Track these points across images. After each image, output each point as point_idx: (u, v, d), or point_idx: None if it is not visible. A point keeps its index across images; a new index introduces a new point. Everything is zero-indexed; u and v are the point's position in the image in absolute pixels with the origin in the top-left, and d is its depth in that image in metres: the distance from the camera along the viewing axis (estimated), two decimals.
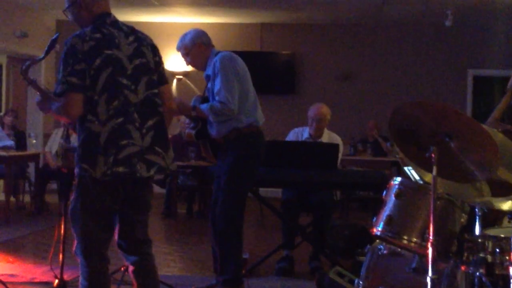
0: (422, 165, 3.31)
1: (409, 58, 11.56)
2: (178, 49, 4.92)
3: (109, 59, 3.28)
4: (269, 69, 11.47)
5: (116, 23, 3.45)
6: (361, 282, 3.70)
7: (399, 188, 3.35)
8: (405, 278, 3.59)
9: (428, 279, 2.97)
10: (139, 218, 3.49)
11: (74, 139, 8.99)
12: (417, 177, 3.95)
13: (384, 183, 3.70)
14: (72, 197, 3.42)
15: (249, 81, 4.85)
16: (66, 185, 6.46)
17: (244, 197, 4.87)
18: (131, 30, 3.48)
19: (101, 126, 3.24)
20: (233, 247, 4.79)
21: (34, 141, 9.50)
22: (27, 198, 9.58)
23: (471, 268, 3.22)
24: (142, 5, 10.07)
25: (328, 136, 6.23)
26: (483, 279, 3.19)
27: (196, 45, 4.84)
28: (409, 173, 4.02)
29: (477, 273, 3.20)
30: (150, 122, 3.38)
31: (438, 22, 10.34)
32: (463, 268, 3.27)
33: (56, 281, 4.76)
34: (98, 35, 3.31)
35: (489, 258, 3.20)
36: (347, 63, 11.73)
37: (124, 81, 3.30)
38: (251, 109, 4.80)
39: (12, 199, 9.08)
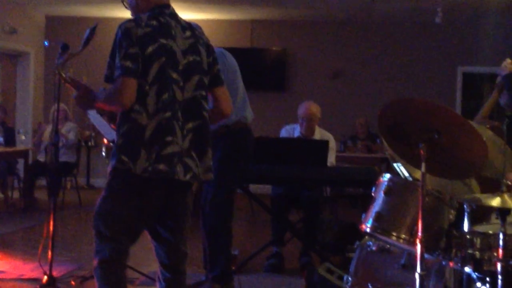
0: (411, 161, 3.32)
1: (399, 55, 11.59)
2: None
3: (164, 49, 3.10)
4: (260, 65, 11.47)
5: (174, 15, 3.27)
6: (350, 278, 3.72)
7: (388, 185, 3.35)
8: (394, 274, 3.60)
9: (417, 275, 2.98)
10: (180, 227, 3.28)
11: (64, 136, 8.96)
12: (406, 174, 3.96)
13: (373, 180, 3.71)
14: (102, 194, 3.18)
15: (238, 77, 4.84)
16: (55, 181, 6.45)
17: (233, 193, 4.87)
18: (189, 26, 3.31)
19: (149, 119, 3.04)
20: (223, 243, 4.79)
21: (23, 137, 9.47)
22: (16, 194, 9.56)
23: (459, 264, 3.23)
24: None
25: (320, 134, 6.24)
26: (471, 275, 3.20)
27: None
28: (398, 169, 4.03)
29: (465, 269, 3.21)
30: (190, 124, 3.17)
31: (428, 19, 10.37)
32: (451, 264, 3.28)
33: (45, 277, 4.76)
34: (154, 22, 3.14)
35: (477, 254, 3.20)
36: (337, 60, 11.75)
37: (174, 75, 3.12)
38: (240, 106, 4.79)
39: (0, 195, 9.06)
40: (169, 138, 3.07)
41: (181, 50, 3.17)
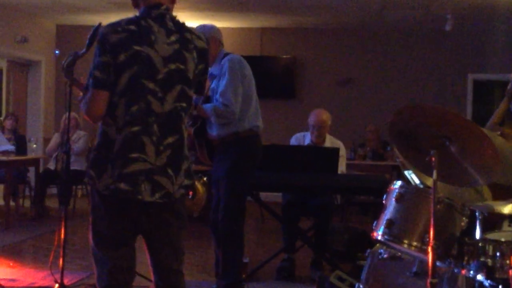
0: (422, 169, 3.31)
1: (409, 62, 11.57)
2: None
3: (137, 56, 2.82)
4: (269, 73, 11.48)
5: (162, 17, 2.93)
6: (361, 286, 3.70)
7: (399, 192, 3.34)
8: (405, 282, 3.59)
9: (429, 283, 2.97)
10: (165, 244, 2.99)
11: (72, 144, 8.98)
12: (417, 181, 3.95)
13: (384, 187, 3.70)
14: None
15: (253, 86, 4.86)
16: (66, 189, 6.47)
17: (244, 200, 4.88)
18: (178, 29, 2.95)
19: (117, 132, 2.84)
20: (236, 251, 4.79)
21: (35, 145, 9.49)
22: (27, 203, 9.58)
23: (472, 272, 3.21)
24: None
25: (330, 142, 6.24)
26: (484, 283, 3.18)
27: (212, 39, 4.80)
28: (409, 177, 4.02)
29: (478, 277, 3.19)
30: (170, 139, 2.90)
31: (438, 27, 10.35)
32: (463, 272, 3.26)
33: (56, 285, 4.77)
34: (132, 27, 2.86)
35: (490, 262, 3.19)
36: (347, 67, 11.74)
37: (151, 85, 2.84)
38: (253, 115, 4.81)
39: (12, 203, 9.09)
40: (134, 155, 2.82)
41: (161, 57, 2.88)
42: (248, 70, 4.82)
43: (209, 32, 4.77)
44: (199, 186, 3.07)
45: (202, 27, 4.85)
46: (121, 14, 11.76)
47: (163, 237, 2.98)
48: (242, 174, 4.78)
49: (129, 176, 2.82)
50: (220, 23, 11.13)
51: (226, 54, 4.82)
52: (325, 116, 6.24)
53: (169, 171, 2.90)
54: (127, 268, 2.98)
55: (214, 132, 4.79)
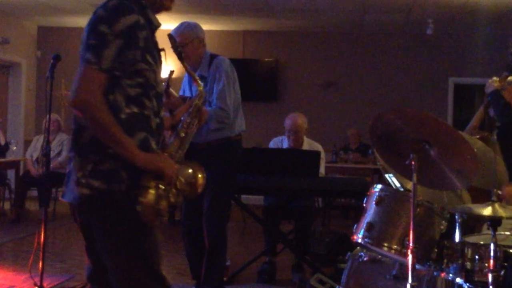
0: (402, 172, 3.33)
1: (390, 66, 11.62)
2: (175, 35, 4.40)
3: None
4: (252, 76, 11.48)
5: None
6: None
7: (379, 195, 3.36)
8: (385, 285, 3.60)
9: (408, 286, 2.98)
10: (105, 258, 2.60)
11: (55, 146, 8.95)
12: (398, 184, 3.97)
13: (365, 191, 3.72)
14: None
15: (239, 88, 4.84)
16: (46, 191, 6.43)
17: (230, 205, 4.89)
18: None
19: None
20: (221, 256, 4.78)
21: (15, 147, 9.44)
22: (7, 205, 9.52)
23: (451, 275, 3.24)
24: None
25: (308, 145, 6.24)
26: (463, 286, 3.21)
27: (199, 39, 4.73)
28: (390, 180, 4.04)
29: (457, 280, 3.22)
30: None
31: (419, 31, 10.41)
32: (442, 275, 3.29)
33: None
34: None
35: (469, 265, 3.22)
36: (329, 71, 11.77)
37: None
38: (241, 119, 4.81)
39: None
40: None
41: None
42: (235, 74, 4.81)
43: (191, 33, 4.70)
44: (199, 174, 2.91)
45: (187, 25, 4.77)
46: None
47: (100, 244, 2.61)
48: (231, 179, 4.77)
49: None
50: (203, 25, 11.09)
51: (213, 56, 4.77)
52: (301, 120, 6.23)
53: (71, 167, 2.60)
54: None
55: (201, 136, 4.60)
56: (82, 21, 11.21)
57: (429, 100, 11.40)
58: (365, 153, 9.94)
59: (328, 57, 11.81)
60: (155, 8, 2.71)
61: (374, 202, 3.36)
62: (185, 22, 4.80)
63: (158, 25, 2.72)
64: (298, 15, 10.47)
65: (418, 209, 3.17)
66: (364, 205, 3.48)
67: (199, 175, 2.82)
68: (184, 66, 3.11)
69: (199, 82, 3.13)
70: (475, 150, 3.23)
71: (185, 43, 4.59)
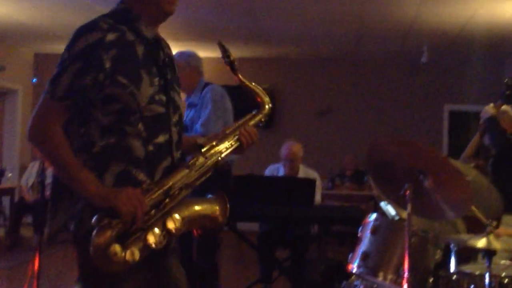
0: (397, 201, 3.34)
1: (386, 93, 11.66)
2: None
3: None
4: (247, 103, 11.46)
5: None
6: None
7: (374, 225, 3.36)
8: None
9: None
10: None
11: (50, 172, 8.96)
12: (393, 213, 3.97)
13: (360, 219, 3.71)
14: None
15: (232, 120, 4.85)
16: (41, 218, 6.41)
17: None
18: None
19: None
20: (213, 283, 4.76)
21: (10, 174, 9.43)
22: (1, 232, 9.47)
23: None
24: None
25: (304, 173, 6.25)
26: None
27: (191, 67, 4.77)
28: (385, 208, 4.04)
29: None
30: None
31: (415, 58, 10.47)
32: None
33: None
34: None
35: None
36: (325, 97, 11.80)
37: None
38: None
39: None
40: None
41: None
42: (229, 104, 4.83)
43: (186, 61, 4.76)
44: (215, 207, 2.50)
45: (181, 54, 4.83)
46: None
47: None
48: None
49: None
50: (198, 52, 11.18)
51: (207, 84, 4.81)
52: (296, 148, 6.25)
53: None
54: None
55: None
56: None
57: (424, 126, 11.42)
58: (360, 180, 9.94)
59: (324, 84, 11.85)
60: (154, 16, 2.44)
61: (369, 231, 3.36)
62: (180, 51, 4.86)
63: (154, 37, 2.45)
64: (294, 43, 10.53)
65: (413, 239, 3.18)
66: (359, 234, 3.48)
67: (215, 209, 2.47)
68: (238, 78, 2.78)
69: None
70: (470, 178, 3.25)
71: (179, 69, 4.62)
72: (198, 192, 2.46)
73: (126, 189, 2.21)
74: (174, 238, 2.37)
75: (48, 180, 8.53)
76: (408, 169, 3.02)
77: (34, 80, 11.51)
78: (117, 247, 2.15)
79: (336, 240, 10.02)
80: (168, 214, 2.29)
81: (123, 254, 2.16)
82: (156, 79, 2.39)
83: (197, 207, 2.41)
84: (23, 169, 10.61)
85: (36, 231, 6.18)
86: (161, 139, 2.38)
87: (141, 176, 2.31)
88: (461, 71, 11.33)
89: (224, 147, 2.56)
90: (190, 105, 4.73)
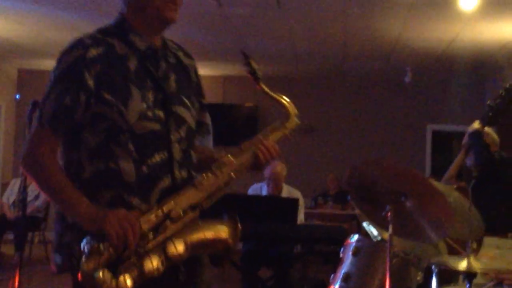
0: (379, 223, 3.34)
1: (369, 112, 11.70)
2: None
3: None
4: (232, 121, 11.51)
5: None
6: None
7: (356, 246, 3.37)
8: None
9: None
10: None
11: (32, 190, 8.91)
12: (375, 233, 3.97)
13: (343, 238, 3.72)
14: None
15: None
16: (22, 235, 6.36)
17: None
18: None
19: None
20: None
21: None
22: None
23: None
24: None
25: (287, 192, 6.26)
26: None
27: None
28: (367, 228, 4.04)
29: None
30: None
31: (398, 78, 10.53)
32: None
33: None
34: None
35: None
36: (309, 116, 11.82)
37: None
38: None
39: None
40: None
41: None
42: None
43: None
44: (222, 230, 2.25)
45: None
46: None
47: None
48: None
49: None
50: None
51: None
52: (280, 168, 6.27)
53: None
54: None
55: None
56: None
57: (407, 146, 11.47)
58: (343, 199, 9.94)
59: (308, 103, 11.86)
60: (154, 25, 2.28)
61: (350, 253, 3.36)
62: None
63: (150, 47, 2.27)
64: (278, 61, 10.57)
65: (394, 260, 3.18)
66: (341, 255, 3.48)
67: (225, 231, 2.22)
68: (262, 89, 2.61)
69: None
70: (452, 200, 3.26)
71: None
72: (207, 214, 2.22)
73: (117, 211, 2.07)
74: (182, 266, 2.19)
75: (30, 197, 8.49)
76: (390, 191, 3.03)
77: (18, 96, 11.49)
78: (106, 274, 1.99)
79: (320, 259, 9.99)
80: (169, 238, 2.09)
81: (114, 282, 2.00)
82: (150, 93, 2.21)
83: (203, 231, 2.18)
84: (4, 186, 10.53)
85: (17, 249, 6.11)
86: (156, 158, 2.19)
87: (135, 201, 2.14)
88: (443, 92, 11.41)
89: (239, 163, 2.34)
90: None
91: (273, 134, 2.57)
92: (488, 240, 4.00)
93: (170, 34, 2.43)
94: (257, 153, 2.41)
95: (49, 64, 9.76)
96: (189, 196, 2.17)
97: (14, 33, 8.93)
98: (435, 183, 3.43)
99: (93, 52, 2.14)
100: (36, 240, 10.19)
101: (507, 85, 4.31)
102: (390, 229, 3.02)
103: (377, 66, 10.45)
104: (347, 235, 3.65)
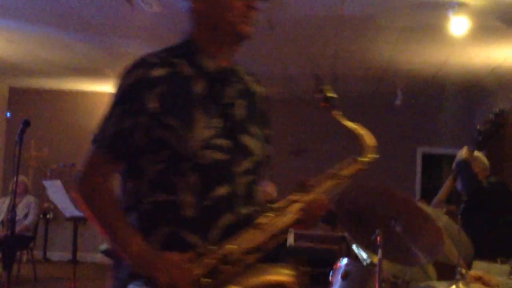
0: (368, 246, 3.34)
1: None
2: None
3: None
4: None
5: None
6: None
7: (345, 270, 3.37)
8: None
9: None
10: None
11: (21, 209, 8.85)
12: (365, 256, 3.97)
13: (333, 260, 3.72)
14: None
15: None
16: (11, 254, 6.32)
17: None
18: None
19: None
20: None
21: None
22: None
23: None
24: (96, 75, 10.11)
25: None
26: None
27: None
28: (357, 251, 4.04)
29: None
30: None
31: (389, 100, 10.58)
32: None
33: None
34: None
35: None
36: (299, 137, 11.85)
37: None
38: None
39: None
40: None
41: None
42: None
43: None
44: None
45: None
46: (75, 80, 11.66)
47: None
48: None
49: None
50: None
51: None
52: (270, 189, 6.25)
53: None
54: None
55: None
56: (54, 83, 11.23)
57: (397, 169, 11.48)
58: (333, 221, 9.92)
59: (299, 124, 11.90)
60: (226, 43, 2.08)
61: (340, 276, 3.36)
62: None
63: (220, 69, 2.06)
64: (268, 82, 10.55)
65: (383, 285, 3.17)
66: (330, 278, 3.48)
67: (285, 276, 2.03)
68: (336, 117, 2.43)
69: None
70: (441, 224, 3.27)
71: None
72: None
73: (170, 256, 1.87)
74: None
75: (19, 216, 8.45)
76: (379, 215, 3.04)
77: (8, 114, 11.47)
78: None
79: (309, 281, 9.96)
80: (228, 283, 1.89)
81: None
82: (216, 120, 2.00)
83: (265, 274, 1.98)
84: None
85: (5, 268, 6.08)
86: (219, 192, 1.96)
87: (193, 239, 1.92)
88: (434, 115, 11.45)
89: (306, 201, 2.17)
90: None
91: (348, 169, 2.38)
92: (477, 265, 4.01)
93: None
94: (302, 211, 2.15)
95: (40, 82, 9.81)
96: (251, 237, 1.95)
97: (6, 51, 8.93)
98: (424, 207, 3.45)
99: (157, 72, 1.96)
100: (24, 259, 10.14)
101: (497, 110, 4.34)
102: (380, 254, 3.02)
103: (368, 89, 10.50)
104: (337, 257, 3.64)
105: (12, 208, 5.06)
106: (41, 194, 10.36)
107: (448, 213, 4.26)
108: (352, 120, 2.49)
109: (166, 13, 6.47)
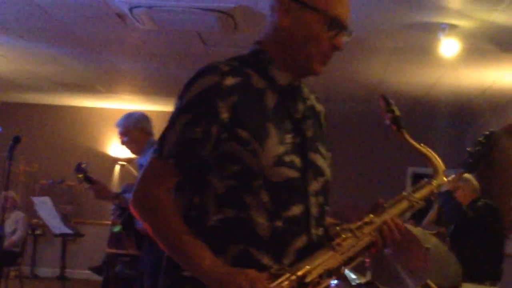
0: (356, 268, 3.33)
1: (350, 154, 11.73)
2: (117, 125, 4.76)
3: None
4: None
5: None
6: None
7: None
8: None
9: None
10: None
11: (9, 224, 8.79)
12: (353, 276, 3.96)
13: None
14: None
15: None
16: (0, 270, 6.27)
17: None
18: None
19: None
20: None
21: None
22: None
23: None
24: (88, 91, 10.10)
25: None
26: None
27: (137, 130, 4.73)
28: (345, 271, 4.03)
29: None
30: None
31: (379, 120, 10.58)
32: None
33: None
34: None
35: None
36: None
37: None
38: None
39: None
40: None
41: None
42: None
43: (132, 124, 4.73)
44: None
45: (127, 117, 4.80)
46: (67, 95, 11.61)
47: None
48: None
49: None
50: (164, 107, 11.20)
51: (154, 143, 4.76)
52: None
53: None
54: None
55: (139, 223, 4.49)
56: (45, 98, 11.20)
57: (387, 188, 11.47)
58: None
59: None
60: (295, 70, 1.94)
61: None
62: (127, 114, 4.87)
63: (290, 84, 1.95)
64: None
65: None
66: None
67: None
68: (403, 137, 2.31)
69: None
70: (430, 246, 3.26)
71: (125, 132, 4.73)
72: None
73: (248, 270, 1.73)
74: None
75: (7, 231, 8.40)
76: None
77: None
78: None
79: None
80: None
81: None
82: (289, 136, 1.88)
83: None
84: None
85: None
86: (294, 211, 1.85)
87: (266, 260, 1.80)
88: (424, 135, 11.43)
89: (381, 222, 2.03)
90: (140, 167, 4.71)
91: (421, 192, 2.19)
92: (466, 287, 4.00)
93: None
94: (379, 230, 2.00)
95: (32, 97, 9.79)
96: (326, 259, 1.83)
97: None
98: (413, 229, 3.45)
99: (230, 81, 1.82)
100: (12, 274, 10.07)
101: (487, 132, 4.36)
102: (368, 276, 3.02)
103: (358, 109, 10.53)
104: None
105: (1, 223, 5.03)
106: (30, 209, 10.32)
107: (438, 234, 4.25)
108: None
109: (158, 30, 6.48)
